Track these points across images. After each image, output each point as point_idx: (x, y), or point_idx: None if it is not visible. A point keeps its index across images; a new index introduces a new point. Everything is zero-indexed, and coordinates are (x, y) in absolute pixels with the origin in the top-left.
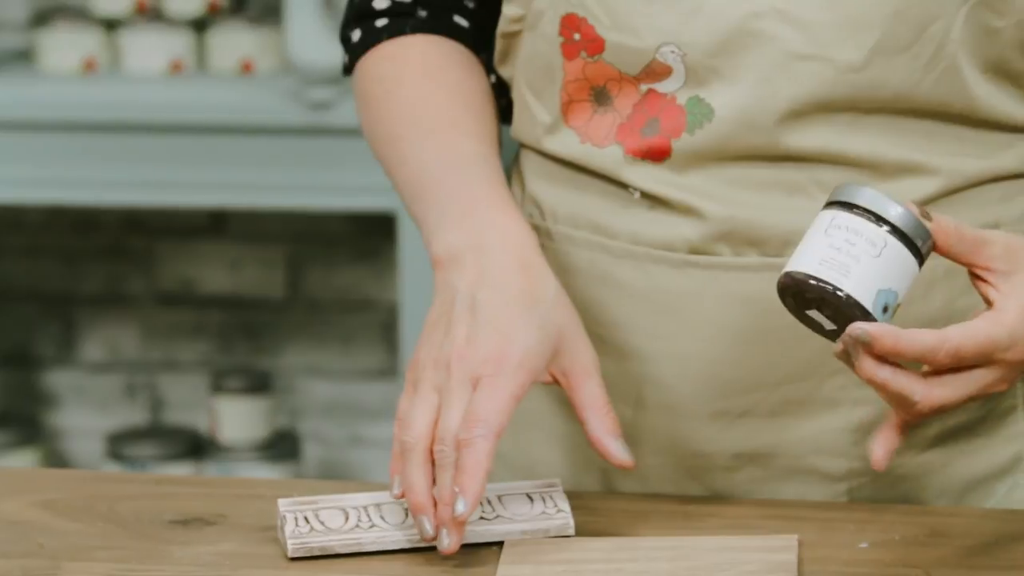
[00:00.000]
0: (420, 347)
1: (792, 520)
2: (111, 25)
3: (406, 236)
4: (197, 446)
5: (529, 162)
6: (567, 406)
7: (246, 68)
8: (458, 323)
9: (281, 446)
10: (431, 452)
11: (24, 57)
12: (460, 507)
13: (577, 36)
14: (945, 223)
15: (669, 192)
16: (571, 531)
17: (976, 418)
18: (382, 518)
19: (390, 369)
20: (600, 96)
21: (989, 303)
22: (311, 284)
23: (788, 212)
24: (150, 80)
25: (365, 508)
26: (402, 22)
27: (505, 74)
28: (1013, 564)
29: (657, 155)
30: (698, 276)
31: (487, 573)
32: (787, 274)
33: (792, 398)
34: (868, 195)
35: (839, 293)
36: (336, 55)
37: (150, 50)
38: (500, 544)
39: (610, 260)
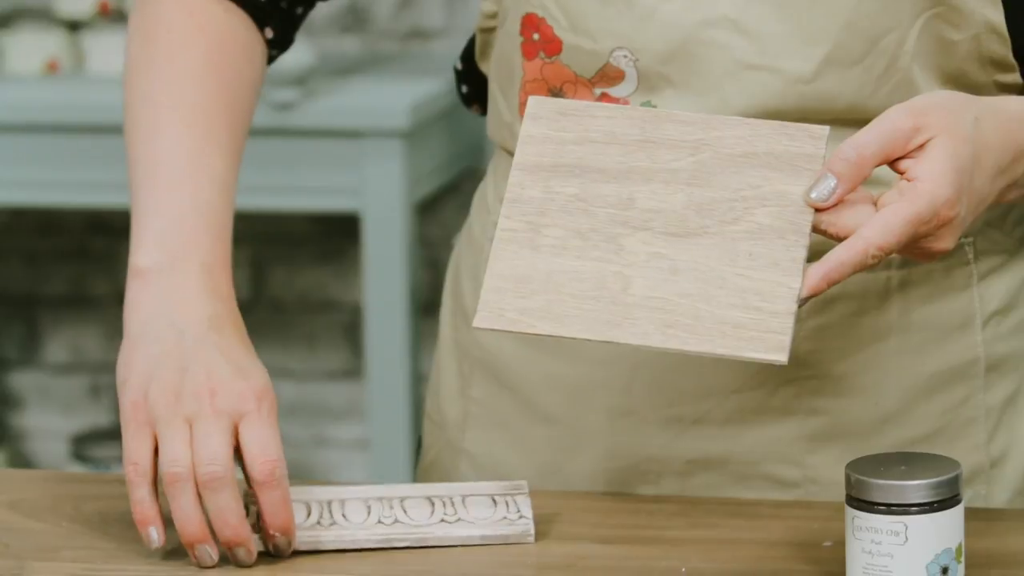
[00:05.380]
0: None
1: (756, 518)
2: (74, 26)
3: (370, 237)
4: None
5: (500, 161)
6: (532, 409)
7: None
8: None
9: None
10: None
11: None
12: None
13: (536, 36)
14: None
15: None
16: (531, 538)
17: (936, 429)
18: (344, 516)
19: (354, 370)
20: (556, 97)
21: (900, 172)
22: (275, 285)
23: None
24: (113, 81)
25: (328, 503)
26: None
27: (484, 69)
28: (970, 563)
29: None
30: None
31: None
32: None
33: (745, 406)
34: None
35: None
36: (298, 56)
37: (113, 51)
38: (462, 548)
39: None
